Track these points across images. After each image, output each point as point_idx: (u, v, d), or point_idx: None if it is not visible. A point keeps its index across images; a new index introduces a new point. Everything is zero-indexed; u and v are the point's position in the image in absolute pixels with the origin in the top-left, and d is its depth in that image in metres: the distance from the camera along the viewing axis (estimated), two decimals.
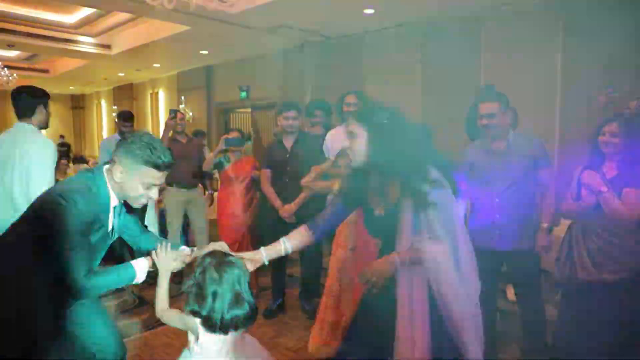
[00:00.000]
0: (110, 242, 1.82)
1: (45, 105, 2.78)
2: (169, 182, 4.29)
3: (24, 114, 2.71)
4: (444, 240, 1.55)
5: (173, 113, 4.18)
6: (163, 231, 5.55)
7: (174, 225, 4.31)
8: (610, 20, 4.11)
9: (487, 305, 2.75)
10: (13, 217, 1.77)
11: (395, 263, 1.58)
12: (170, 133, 4.25)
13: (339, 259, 2.75)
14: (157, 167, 1.59)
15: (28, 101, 2.73)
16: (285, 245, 1.77)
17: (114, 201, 1.69)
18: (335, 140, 3.11)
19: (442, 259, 1.55)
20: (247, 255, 1.70)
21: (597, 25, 4.22)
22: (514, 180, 2.49)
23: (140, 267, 1.70)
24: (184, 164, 4.08)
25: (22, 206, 2.22)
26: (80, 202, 1.53)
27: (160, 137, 4.19)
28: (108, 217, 1.70)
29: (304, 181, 3.04)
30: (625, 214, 2.11)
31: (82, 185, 1.60)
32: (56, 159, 2.65)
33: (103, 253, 1.83)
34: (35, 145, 2.57)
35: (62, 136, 12.89)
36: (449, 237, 1.56)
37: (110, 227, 1.74)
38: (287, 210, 3.26)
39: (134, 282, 1.70)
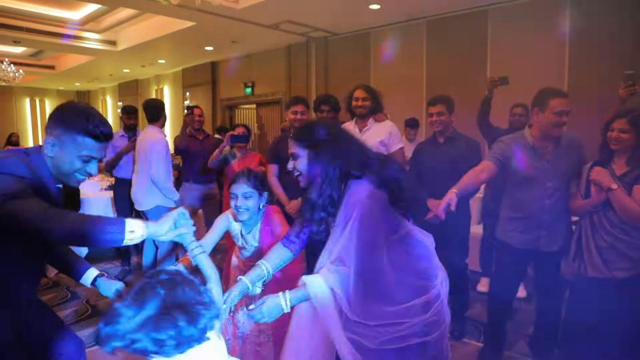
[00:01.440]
0: None
1: (164, 111, 3.78)
2: (187, 178, 4.29)
3: (152, 118, 3.68)
4: (348, 264, 1.46)
5: (190, 110, 4.15)
6: None
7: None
8: (618, 8, 4.08)
9: (504, 304, 2.73)
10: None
11: (280, 302, 1.48)
12: (188, 129, 4.24)
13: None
14: (95, 137, 1.40)
15: (154, 110, 3.70)
16: (266, 267, 1.68)
17: (52, 187, 1.46)
18: None
19: (322, 295, 1.45)
20: (234, 290, 1.59)
21: (606, 11, 4.18)
22: (562, 181, 2.40)
23: (132, 226, 1.23)
24: (200, 161, 4.08)
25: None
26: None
27: (180, 134, 4.19)
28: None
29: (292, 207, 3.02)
30: (636, 211, 2.08)
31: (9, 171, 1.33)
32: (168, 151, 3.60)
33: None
34: (156, 140, 3.59)
35: None
36: (359, 263, 1.46)
37: None
38: (293, 206, 3.26)
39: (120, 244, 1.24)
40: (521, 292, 3.71)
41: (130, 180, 4.29)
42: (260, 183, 2.06)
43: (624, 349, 2.14)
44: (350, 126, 3.20)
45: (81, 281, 1.68)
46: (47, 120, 1.44)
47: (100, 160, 1.50)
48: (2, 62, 8.47)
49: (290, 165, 1.64)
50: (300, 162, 1.60)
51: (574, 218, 2.48)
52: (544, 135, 2.37)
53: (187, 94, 9.30)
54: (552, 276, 2.57)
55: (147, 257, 3.96)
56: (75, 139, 1.39)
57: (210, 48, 7.52)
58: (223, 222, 2.12)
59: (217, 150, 3.76)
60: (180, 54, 8.19)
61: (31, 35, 6.94)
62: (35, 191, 1.32)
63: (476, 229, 3.82)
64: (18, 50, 8.85)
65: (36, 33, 6.92)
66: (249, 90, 8.00)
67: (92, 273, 1.68)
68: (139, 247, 4.63)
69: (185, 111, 4.14)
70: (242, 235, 2.14)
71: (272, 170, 3.46)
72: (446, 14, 5.32)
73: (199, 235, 1.60)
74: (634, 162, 2.18)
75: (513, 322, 3.23)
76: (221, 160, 3.78)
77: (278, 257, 1.71)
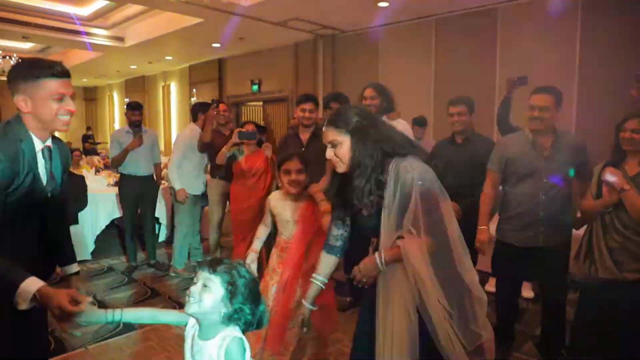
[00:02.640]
0: (54, 191, 1.61)
1: (204, 111, 4.18)
2: (214, 175, 4.28)
3: (193, 118, 4.39)
4: (419, 234, 1.49)
5: (216, 103, 4.10)
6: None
7: (215, 216, 4.30)
8: (630, 8, 4.04)
9: (509, 304, 2.76)
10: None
11: (376, 261, 1.58)
12: (214, 124, 4.19)
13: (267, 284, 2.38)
14: (54, 74, 1.47)
15: (194, 111, 4.41)
16: (321, 281, 1.82)
17: (38, 144, 1.53)
18: None
19: (414, 255, 1.50)
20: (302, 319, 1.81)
21: (617, 10, 4.15)
22: (560, 177, 2.45)
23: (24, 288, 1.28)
24: None
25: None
26: None
27: (203, 130, 4.14)
28: (36, 163, 1.53)
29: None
30: None
31: None
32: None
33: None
34: (181, 133, 4.45)
35: (89, 128, 13.09)
36: (429, 232, 1.50)
37: (45, 175, 1.57)
38: (315, 189, 3.23)
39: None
40: (528, 293, 3.68)
41: (136, 176, 4.30)
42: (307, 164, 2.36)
43: (635, 350, 2.11)
44: None
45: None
46: (8, 84, 1.51)
47: (73, 98, 1.55)
48: (10, 58, 8.52)
49: (329, 154, 1.62)
50: (341, 148, 1.58)
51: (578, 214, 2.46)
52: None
53: (194, 90, 9.32)
54: (553, 274, 2.57)
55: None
56: (39, 84, 1.47)
57: (217, 45, 7.53)
58: (271, 203, 2.40)
59: (225, 147, 3.74)
60: (188, 51, 8.20)
61: (40, 31, 6.98)
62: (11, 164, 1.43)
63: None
64: (26, 45, 8.89)
65: (45, 29, 6.95)
66: (255, 87, 8.00)
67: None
68: (144, 243, 4.66)
69: (212, 104, 4.08)
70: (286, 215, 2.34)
71: None
72: (455, 12, 5.29)
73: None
74: None
75: (520, 322, 3.21)
76: (229, 156, 3.77)
77: (327, 265, 1.82)
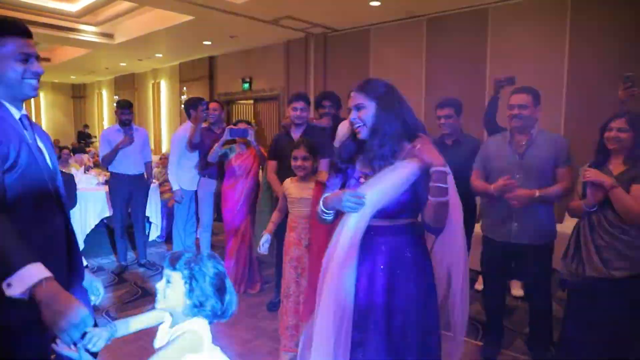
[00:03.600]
0: (48, 161, 1.48)
1: (195, 108, 4.06)
2: (203, 173, 4.26)
3: (187, 115, 4.22)
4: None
5: (204, 104, 4.10)
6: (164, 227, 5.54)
7: (206, 215, 4.30)
8: (619, 8, 4.10)
9: (495, 301, 2.82)
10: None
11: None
12: (206, 123, 4.19)
13: (293, 258, 2.69)
14: (16, 33, 1.39)
15: (186, 108, 4.25)
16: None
17: (15, 113, 1.42)
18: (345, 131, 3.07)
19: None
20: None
21: (606, 11, 4.20)
22: (534, 175, 2.51)
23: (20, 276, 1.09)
24: None
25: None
26: None
27: (192, 129, 4.13)
28: (22, 131, 1.40)
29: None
30: (636, 210, 2.09)
31: None
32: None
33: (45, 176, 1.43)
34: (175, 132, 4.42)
35: (86, 126, 12.99)
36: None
37: (34, 143, 1.43)
38: (323, 176, 3.23)
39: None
40: (518, 292, 3.72)
41: (127, 175, 4.27)
42: (314, 149, 2.67)
43: (622, 347, 2.15)
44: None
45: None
46: None
47: (38, 59, 1.45)
48: None
49: (353, 115, 1.69)
50: (365, 112, 1.65)
51: (572, 221, 2.50)
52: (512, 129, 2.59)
53: (184, 88, 9.26)
54: (535, 272, 2.63)
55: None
56: (2, 45, 1.37)
57: (208, 42, 7.49)
58: (284, 186, 2.74)
59: (216, 144, 3.73)
60: (178, 48, 8.15)
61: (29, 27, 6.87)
62: None
63: (478, 228, 3.81)
64: None
65: (33, 25, 6.84)
66: (246, 85, 7.97)
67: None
68: (134, 242, 4.63)
69: (201, 105, 4.08)
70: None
71: (272, 166, 3.45)
72: (447, 12, 5.32)
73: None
74: (631, 162, 2.20)
75: (511, 321, 3.25)
76: (221, 154, 3.76)
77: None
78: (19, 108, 1.44)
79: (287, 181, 2.72)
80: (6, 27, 1.38)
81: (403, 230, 1.68)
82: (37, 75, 1.44)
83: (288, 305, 2.68)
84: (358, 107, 1.67)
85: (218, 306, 1.28)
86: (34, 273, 1.10)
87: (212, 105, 4.27)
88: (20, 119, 1.42)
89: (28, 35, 1.43)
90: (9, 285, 1.07)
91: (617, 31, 4.16)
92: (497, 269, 2.76)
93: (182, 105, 4.14)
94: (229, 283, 1.34)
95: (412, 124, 1.67)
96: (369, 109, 1.65)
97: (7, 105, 1.40)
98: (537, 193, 2.46)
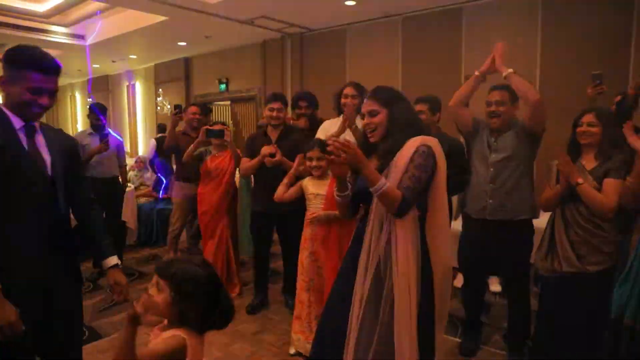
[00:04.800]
0: (55, 174, 1.65)
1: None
2: (178, 177, 4.19)
3: None
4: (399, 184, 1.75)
5: (178, 108, 4.09)
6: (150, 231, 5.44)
7: (181, 219, 4.25)
8: (589, 9, 4.19)
9: (474, 297, 2.85)
10: None
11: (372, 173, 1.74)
12: (181, 127, 4.14)
13: (312, 252, 2.76)
14: (35, 69, 1.55)
15: None
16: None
17: (17, 122, 1.59)
18: (331, 129, 3.06)
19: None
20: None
21: (576, 10, 4.30)
22: (504, 157, 2.57)
23: None
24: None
25: None
26: None
27: (167, 133, 4.11)
28: (15, 138, 1.57)
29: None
30: (604, 204, 2.13)
31: None
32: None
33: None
34: None
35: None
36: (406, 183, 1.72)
37: (27, 150, 1.59)
38: (268, 149, 3.21)
39: None
40: (496, 287, 3.77)
41: (100, 179, 4.15)
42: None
43: (596, 341, 2.19)
44: (333, 123, 3.16)
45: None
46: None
47: (54, 93, 1.63)
48: None
49: (367, 120, 1.86)
50: (378, 118, 1.83)
51: (547, 214, 2.53)
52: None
53: (160, 90, 9.11)
54: (513, 267, 2.66)
55: None
56: (22, 73, 1.55)
57: (183, 43, 7.38)
58: (303, 183, 2.85)
59: (192, 145, 3.68)
60: (153, 49, 8.00)
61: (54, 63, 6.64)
62: None
63: (455, 225, 3.84)
64: None
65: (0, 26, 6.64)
66: (223, 86, 7.89)
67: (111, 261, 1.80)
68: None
69: (174, 109, 4.07)
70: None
71: (244, 162, 3.44)
72: (422, 11, 5.35)
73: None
74: (601, 156, 2.24)
75: (489, 316, 3.29)
76: (196, 156, 3.71)
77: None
78: (23, 119, 1.61)
79: (306, 179, 2.86)
80: (25, 61, 1.56)
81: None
82: (42, 107, 1.61)
83: (313, 297, 2.74)
84: (371, 114, 1.84)
85: (202, 314, 1.26)
86: None
87: (193, 108, 4.21)
88: (21, 128, 1.60)
89: (49, 71, 1.59)
90: None
91: (587, 29, 4.26)
92: (473, 243, 2.75)
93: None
94: (222, 291, 1.31)
95: (417, 126, 1.86)
96: (381, 115, 1.82)
97: (9, 114, 1.59)
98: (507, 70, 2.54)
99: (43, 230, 1.61)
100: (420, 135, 1.78)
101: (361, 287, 1.74)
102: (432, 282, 1.77)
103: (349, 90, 3.09)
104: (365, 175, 1.67)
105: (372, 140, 1.86)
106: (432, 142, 1.77)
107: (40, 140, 1.65)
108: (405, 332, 1.65)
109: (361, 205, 1.96)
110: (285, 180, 2.91)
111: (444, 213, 1.79)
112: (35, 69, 1.55)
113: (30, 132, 1.62)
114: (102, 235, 1.82)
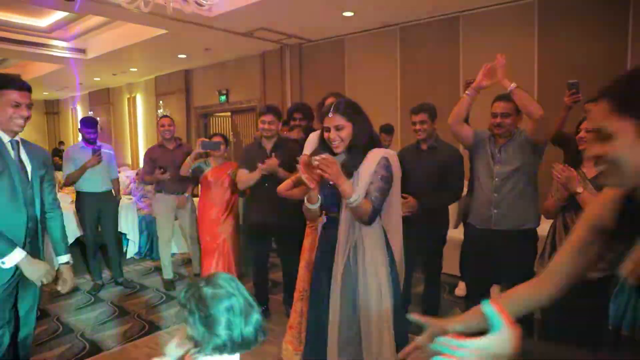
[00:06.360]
0: (26, 181, 2.02)
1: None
2: (158, 189, 4.20)
3: None
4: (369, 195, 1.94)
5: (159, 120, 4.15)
6: (148, 240, 5.43)
7: (165, 232, 4.26)
8: (584, 16, 4.21)
9: (477, 305, 2.83)
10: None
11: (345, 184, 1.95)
12: (159, 139, 4.23)
13: (309, 262, 2.73)
14: (15, 87, 1.95)
15: None
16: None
17: (5, 137, 1.98)
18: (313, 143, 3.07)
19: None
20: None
21: (572, 19, 4.32)
22: (507, 168, 2.59)
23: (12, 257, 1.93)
24: (171, 171, 4.04)
25: None
26: None
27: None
28: (5, 149, 1.96)
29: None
30: None
31: None
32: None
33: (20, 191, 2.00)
34: None
35: (61, 142, 12.76)
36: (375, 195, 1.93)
37: (17, 165, 1.99)
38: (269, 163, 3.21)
39: None
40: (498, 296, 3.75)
41: (94, 193, 4.14)
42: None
43: (599, 348, 2.17)
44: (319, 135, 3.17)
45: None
46: None
47: (30, 106, 2.03)
48: None
49: (333, 135, 1.95)
50: (344, 132, 1.95)
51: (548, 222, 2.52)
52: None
53: (161, 102, 9.16)
54: (517, 275, 2.63)
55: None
56: (2, 92, 1.94)
57: (183, 56, 7.43)
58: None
59: (189, 158, 3.69)
60: (153, 62, 8.06)
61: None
62: None
63: (455, 233, 3.84)
64: None
65: (2, 42, 6.69)
66: (223, 98, 7.93)
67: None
68: (108, 262, 4.51)
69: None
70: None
71: (242, 173, 3.44)
72: (419, 20, 5.39)
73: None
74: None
75: None
76: (194, 168, 3.72)
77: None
78: (10, 135, 2.00)
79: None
80: (6, 83, 1.96)
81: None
82: (23, 117, 1.98)
83: (305, 307, 2.72)
84: (337, 128, 1.94)
85: (208, 338, 1.13)
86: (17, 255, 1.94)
87: (165, 120, 4.22)
88: (9, 142, 1.99)
89: (23, 88, 1.99)
90: (2, 262, 1.91)
91: (583, 38, 4.27)
92: (478, 253, 2.76)
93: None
94: (245, 308, 1.19)
95: (374, 138, 2.04)
96: (347, 129, 1.94)
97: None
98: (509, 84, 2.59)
99: (23, 225, 2.00)
100: (377, 147, 1.98)
101: (337, 284, 1.97)
102: (396, 270, 2.04)
103: (330, 101, 3.11)
104: (342, 189, 1.83)
105: (337, 151, 1.98)
106: (389, 153, 2.00)
107: (22, 151, 2.05)
108: (381, 319, 1.93)
109: (323, 212, 2.14)
110: (292, 177, 2.89)
111: (398, 214, 2.11)
112: (14, 88, 1.95)
113: (14, 145, 2.01)
114: (61, 235, 2.25)
